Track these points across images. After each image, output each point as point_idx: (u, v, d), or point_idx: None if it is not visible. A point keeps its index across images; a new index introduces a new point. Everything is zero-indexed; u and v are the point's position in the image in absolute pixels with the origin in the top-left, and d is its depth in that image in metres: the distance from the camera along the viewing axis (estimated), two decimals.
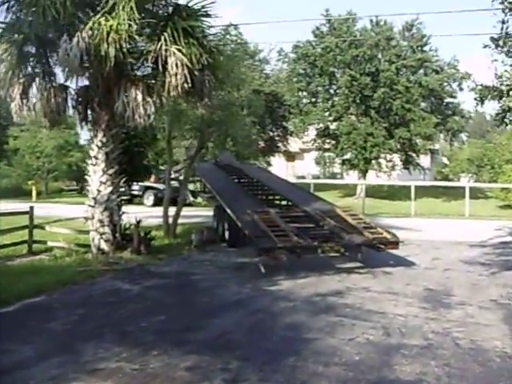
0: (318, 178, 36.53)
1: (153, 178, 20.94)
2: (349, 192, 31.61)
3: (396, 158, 31.73)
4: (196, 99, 10.39)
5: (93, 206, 10.63)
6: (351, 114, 31.54)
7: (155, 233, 14.06)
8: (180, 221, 16.51)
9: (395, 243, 9.76)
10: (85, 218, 10.86)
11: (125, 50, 8.78)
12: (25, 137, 37.73)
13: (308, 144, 34.91)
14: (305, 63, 31.96)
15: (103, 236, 10.60)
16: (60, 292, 7.77)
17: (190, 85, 9.31)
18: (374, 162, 30.90)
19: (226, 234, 12.70)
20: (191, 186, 22.43)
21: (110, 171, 10.64)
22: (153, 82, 10.03)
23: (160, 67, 9.37)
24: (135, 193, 24.87)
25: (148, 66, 10.15)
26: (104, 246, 10.62)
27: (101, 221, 10.58)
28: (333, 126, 32.55)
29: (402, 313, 6.59)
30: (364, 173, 31.58)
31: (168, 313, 6.68)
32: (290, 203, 12.74)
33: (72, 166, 36.36)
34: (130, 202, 26.30)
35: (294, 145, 37.58)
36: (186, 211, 19.70)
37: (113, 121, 10.55)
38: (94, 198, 10.63)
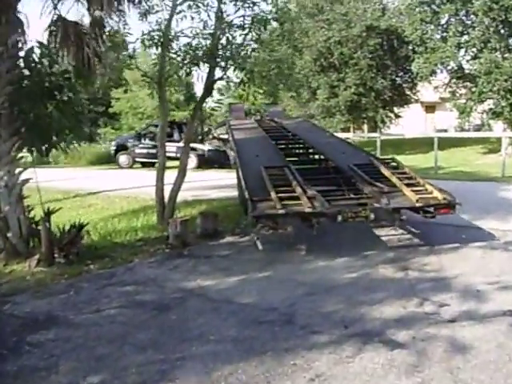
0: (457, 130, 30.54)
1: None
2: (496, 147, 24.93)
3: None
4: None
5: None
6: (492, 48, 24.39)
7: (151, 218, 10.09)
8: (214, 194, 12.37)
9: (450, 206, 7.44)
10: None
11: None
12: (126, 98, 36.17)
13: (440, 89, 28.48)
14: None
15: None
16: None
17: None
18: None
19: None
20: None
21: None
22: None
23: None
24: (171, 155, 20.75)
25: None
26: None
27: None
28: (468, 66, 25.84)
29: None
30: (511, 123, 24.58)
31: None
32: (322, 157, 10.96)
33: None
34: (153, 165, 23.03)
35: (433, 94, 31.16)
36: (229, 178, 15.56)
37: None
38: None
